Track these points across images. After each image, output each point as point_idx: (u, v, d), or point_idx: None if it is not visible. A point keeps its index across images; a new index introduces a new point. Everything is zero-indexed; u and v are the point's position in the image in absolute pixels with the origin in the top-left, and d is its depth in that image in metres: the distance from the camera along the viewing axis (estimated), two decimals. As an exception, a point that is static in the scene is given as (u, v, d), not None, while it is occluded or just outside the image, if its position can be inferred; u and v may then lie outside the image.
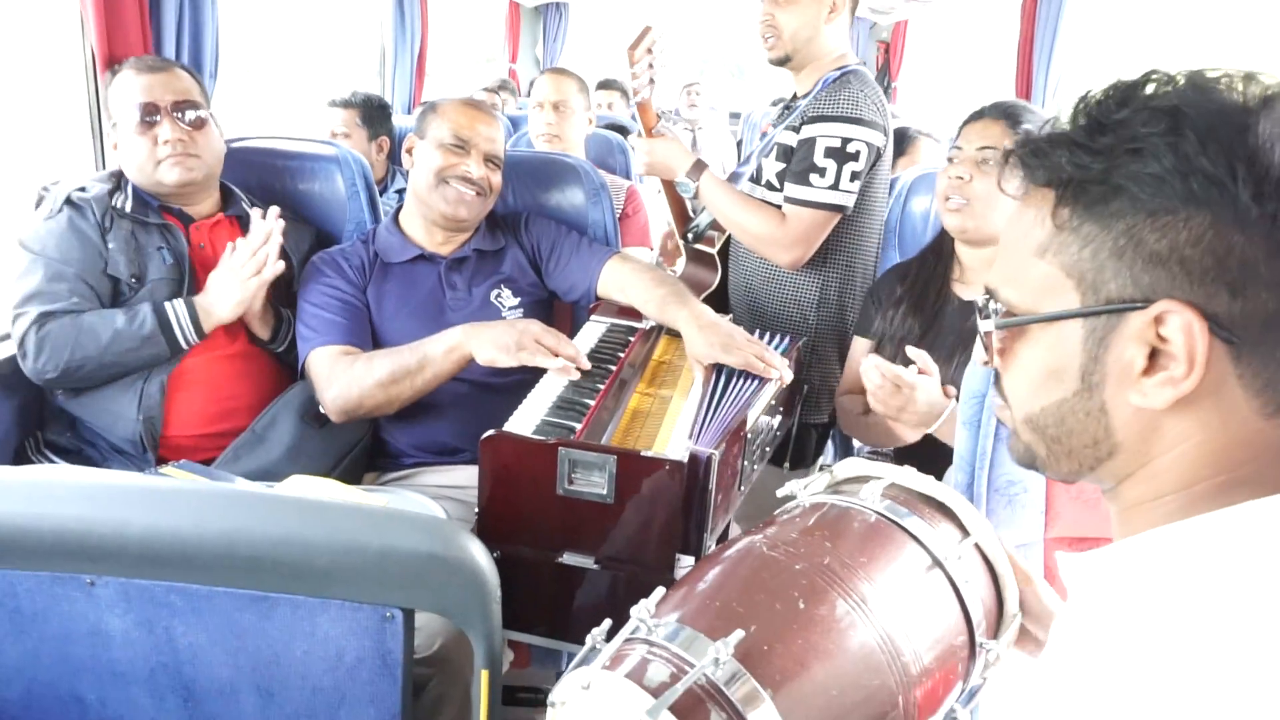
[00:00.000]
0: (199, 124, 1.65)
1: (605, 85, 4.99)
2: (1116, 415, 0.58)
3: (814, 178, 1.77)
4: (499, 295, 1.75)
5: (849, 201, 1.80)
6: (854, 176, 1.78)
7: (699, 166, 1.91)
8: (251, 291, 1.58)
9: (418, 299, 1.71)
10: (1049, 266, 0.58)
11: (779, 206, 1.85)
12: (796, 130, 1.84)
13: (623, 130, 3.63)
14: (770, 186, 1.88)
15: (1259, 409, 0.54)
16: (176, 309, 1.56)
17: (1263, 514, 0.53)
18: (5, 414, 1.61)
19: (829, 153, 1.76)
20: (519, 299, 1.76)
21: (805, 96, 1.89)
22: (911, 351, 1.47)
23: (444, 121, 1.71)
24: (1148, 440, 0.58)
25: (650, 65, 1.91)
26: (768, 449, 1.54)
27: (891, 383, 1.43)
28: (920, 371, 1.45)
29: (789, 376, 1.48)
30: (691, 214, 2.16)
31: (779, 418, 1.56)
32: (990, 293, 0.63)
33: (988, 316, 0.64)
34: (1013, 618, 0.87)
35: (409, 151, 1.76)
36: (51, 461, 1.61)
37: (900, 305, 1.71)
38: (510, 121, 4.02)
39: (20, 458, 1.63)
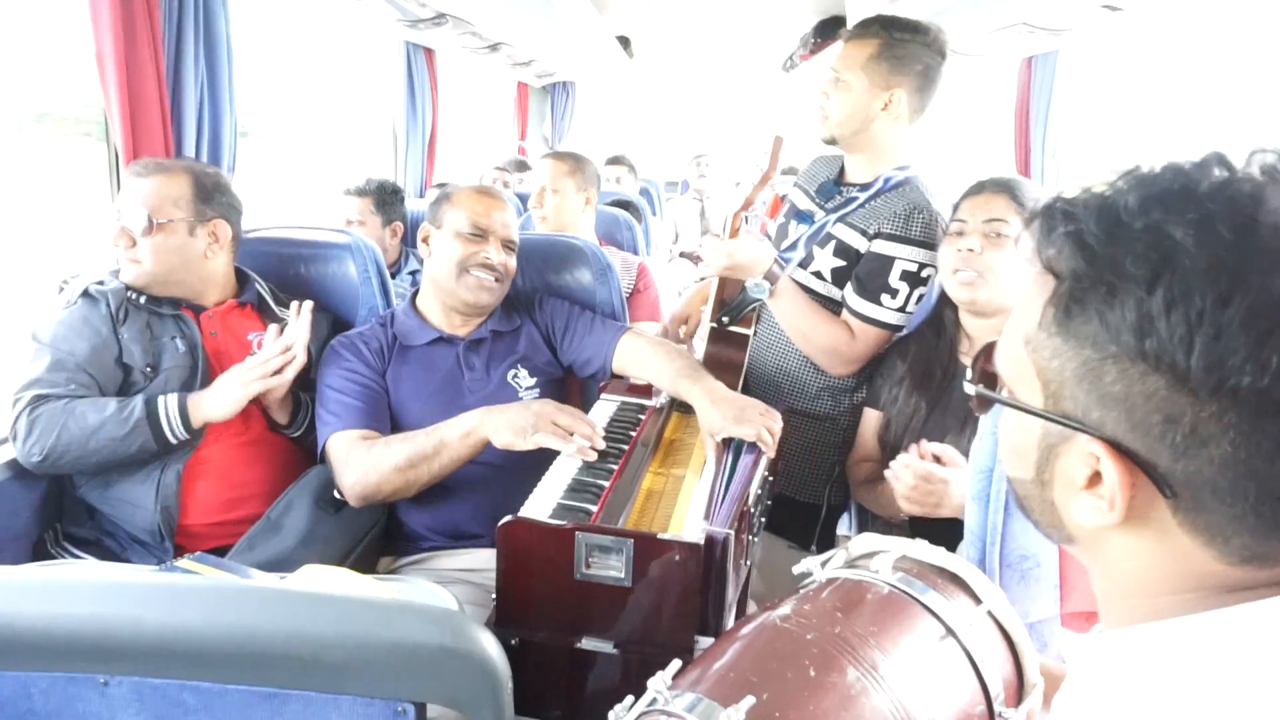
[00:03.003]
0: (145, 232, 1.64)
1: (613, 161, 5.11)
2: (1066, 515, 0.59)
3: (885, 298, 1.75)
4: (515, 375, 1.77)
5: (907, 321, 1.80)
6: (919, 298, 1.78)
7: (778, 268, 1.81)
8: (246, 395, 1.60)
9: (437, 380, 1.73)
10: (1026, 359, 0.59)
11: (829, 300, 1.82)
12: (865, 235, 1.77)
13: (630, 207, 3.69)
14: (819, 276, 1.84)
15: (1214, 556, 0.54)
16: (167, 403, 1.58)
17: (1248, 617, 0.53)
18: (25, 506, 1.63)
19: (904, 276, 1.74)
20: (535, 378, 1.77)
21: (864, 190, 1.81)
22: (935, 447, 1.46)
23: (461, 211, 1.75)
24: (1100, 546, 0.59)
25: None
26: (763, 519, 1.53)
27: (924, 481, 1.42)
28: (942, 462, 1.44)
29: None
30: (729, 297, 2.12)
31: (767, 487, 1.56)
32: (986, 352, 0.65)
33: (972, 379, 0.67)
34: (1033, 686, 0.86)
35: (425, 241, 1.80)
36: (72, 554, 1.62)
37: (903, 383, 1.71)
38: (520, 200, 4.11)
39: (40, 551, 1.63)
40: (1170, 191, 0.53)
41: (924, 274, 1.75)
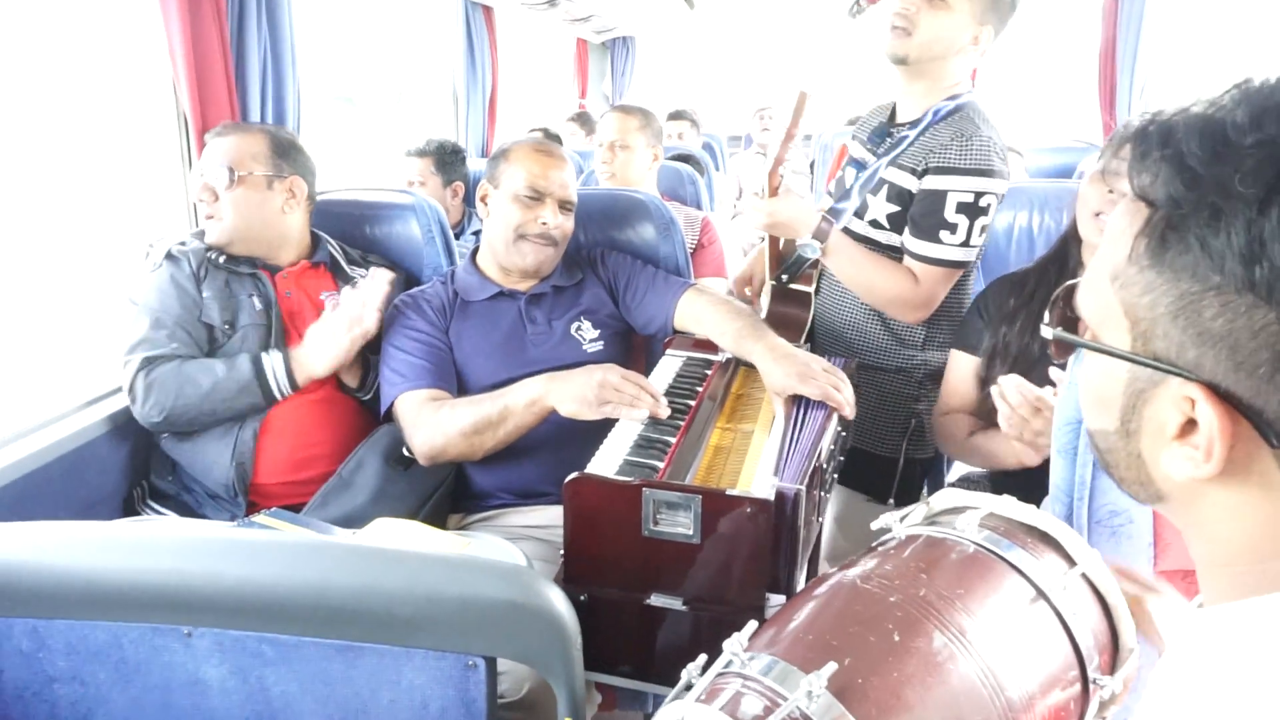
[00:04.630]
0: (227, 186, 1.69)
1: (675, 116, 5.03)
2: (1155, 469, 0.54)
3: (945, 235, 1.66)
4: (579, 329, 1.75)
5: (974, 255, 1.71)
6: (983, 230, 1.68)
7: (825, 224, 1.75)
8: (347, 348, 1.64)
9: (499, 335, 1.73)
10: (1113, 296, 0.54)
11: (890, 248, 1.76)
12: (915, 173, 1.70)
13: (693, 161, 3.63)
14: (875, 224, 1.77)
15: None
16: (273, 361, 1.64)
17: None
18: (117, 462, 1.70)
19: (961, 208, 1.64)
20: (599, 331, 1.76)
21: (914, 126, 1.74)
22: (1055, 373, 1.36)
23: (519, 170, 1.73)
24: (1194, 503, 0.54)
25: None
26: (834, 476, 1.50)
27: (1032, 405, 1.33)
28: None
29: (851, 414, 1.43)
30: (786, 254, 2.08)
31: (841, 442, 1.52)
32: (1066, 294, 0.60)
33: (1051, 322, 0.61)
34: (1130, 652, 0.82)
35: (483, 200, 1.79)
36: (156, 511, 1.69)
37: (1017, 320, 1.61)
38: (580, 157, 4.08)
39: (128, 508, 1.71)
40: None
41: (982, 203, 1.65)
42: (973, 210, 1.64)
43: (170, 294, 1.66)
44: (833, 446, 1.40)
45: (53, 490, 1.56)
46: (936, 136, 1.68)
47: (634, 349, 1.89)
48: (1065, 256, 1.61)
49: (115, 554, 0.93)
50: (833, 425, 1.38)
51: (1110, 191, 1.45)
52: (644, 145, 2.70)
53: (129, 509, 1.70)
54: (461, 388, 1.69)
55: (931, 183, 1.67)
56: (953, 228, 1.65)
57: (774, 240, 1.91)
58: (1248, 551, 0.52)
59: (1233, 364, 0.48)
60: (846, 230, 1.80)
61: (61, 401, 1.68)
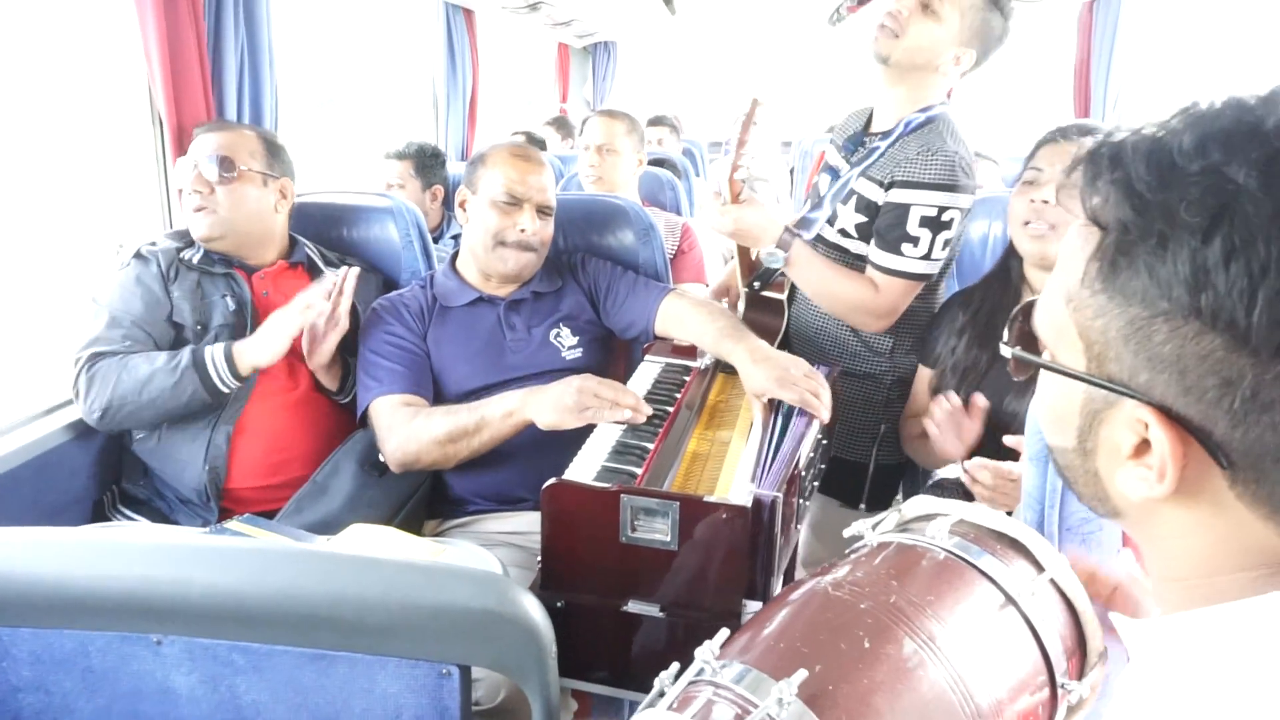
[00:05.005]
0: (226, 181, 1.67)
1: (655, 122, 5.03)
2: (1111, 487, 0.55)
3: (906, 247, 1.68)
4: (558, 335, 1.75)
5: (937, 269, 1.73)
6: (946, 244, 1.70)
7: (788, 235, 1.76)
8: (292, 333, 1.60)
9: (478, 341, 1.72)
10: (1068, 318, 0.54)
11: (859, 257, 1.77)
12: (882, 186, 1.72)
13: (672, 167, 3.64)
14: (845, 234, 1.79)
15: (1276, 530, 0.50)
16: (213, 351, 1.59)
17: None
18: (86, 466, 1.67)
19: (924, 222, 1.66)
20: (578, 338, 1.76)
21: (885, 137, 1.75)
22: (1010, 440, 1.40)
23: (496, 175, 1.71)
24: (1149, 521, 0.55)
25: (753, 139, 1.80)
26: (815, 483, 1.51)
27: (1006, 480, 1.37)
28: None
29: (827, 418, 1.44)
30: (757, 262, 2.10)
31: (821, 450, 1.53)
32: (1024, 311, 0.61)
33: (1009, 341, 0.62)
34: (1097, 656, 0.83)
35: (462, 205, 1.78)
36: (127, 516, 1.66)
37: (964, 334, 1.66)
38: (560, 161, 4.08)
39: (98, 513, 1.68)
40: (1232, 130, 0.47)
41: (945, 217, 1.67)
42: (935, 224, 1.67)
43: (134, 293, 1.63)
44: (813, 454, 1.41)
45: (20, 495, 1.53)
46: (905, 149, 1.70)
47: (614, 355, 1.89)
48: (1008, 271, 1.65)
49: (82, 560, 0.92)
50: (813, 432, 1.38)
51: (1045, 203, 1.51)
52: (630, 150, 2.70)
53: (99, 514, 1.68)
54: (439, 393, 1.68)
55: (896, 196, 1.69)
56: (915, 241, 1.68)
57: (742, 247, 1.92)
58: (1198, 566, 0.53)
59: (1182, 388, 0.48)
60: (819, 238, 1.82)
61: (29, 405, 1.66)
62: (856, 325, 1.81)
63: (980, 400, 1.51)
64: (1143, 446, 0.51)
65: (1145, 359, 0.49)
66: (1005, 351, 0.62)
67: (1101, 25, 3.52)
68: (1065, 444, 0.58)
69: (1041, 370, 0.59)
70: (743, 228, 1.75)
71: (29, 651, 0.92)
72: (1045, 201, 1.51)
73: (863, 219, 1.76)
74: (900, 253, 1.69)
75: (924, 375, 1.76)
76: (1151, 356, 0.49)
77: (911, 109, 1.74)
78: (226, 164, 1.68)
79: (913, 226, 1.67)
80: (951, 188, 1.65)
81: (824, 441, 1.50)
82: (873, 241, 1.74)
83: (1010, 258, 1.65)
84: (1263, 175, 0.45)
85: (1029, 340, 0.61)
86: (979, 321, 1.65)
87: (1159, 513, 0.53)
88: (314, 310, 1.61)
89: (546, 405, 1.45)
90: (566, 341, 1.75)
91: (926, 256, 1.68)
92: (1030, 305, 0.60)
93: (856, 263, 1.79)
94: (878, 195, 1.73)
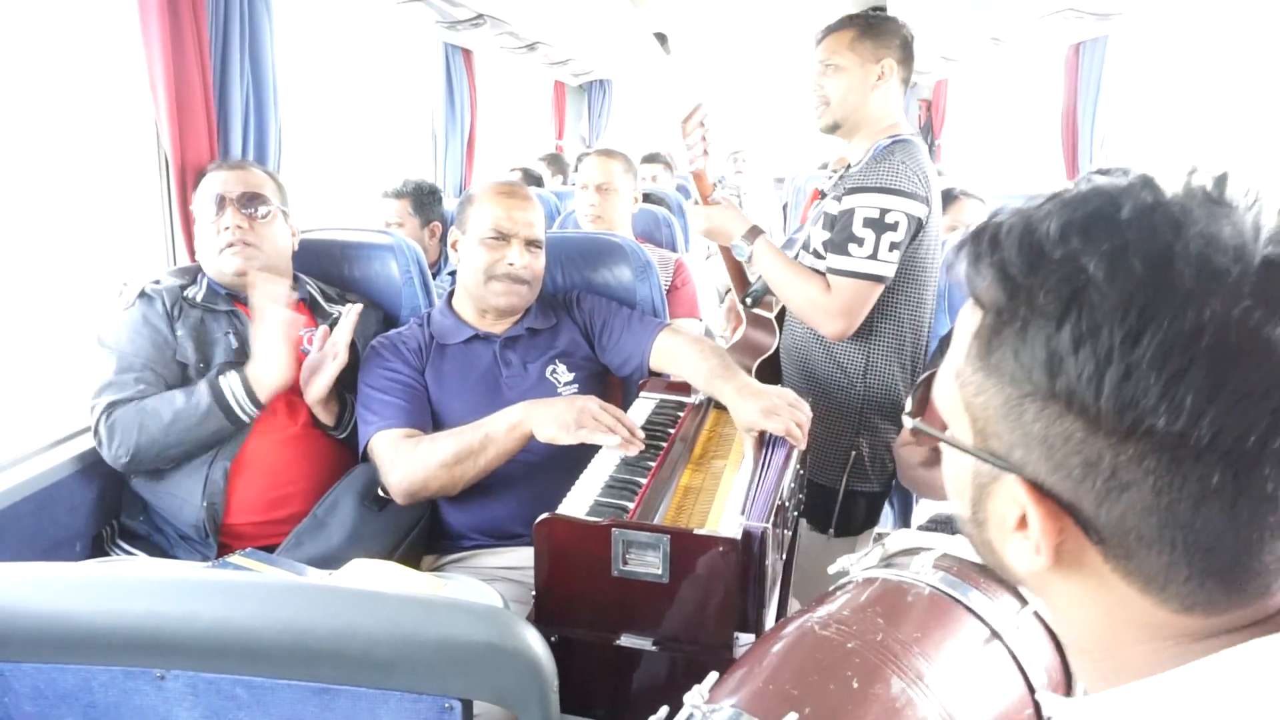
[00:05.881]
0: (263, 216, 1.74)
1: (649, 159, 5.10)
2: (1004, 557, 0.56)
3: (852, 248, 1.78)
4: (554, 371, 1.77)
5: (888, 271, 1.79)
6: (893, 246, 1.77)
7: (754, 232, 1.93)
8: (287, 352, 1.63)
9: (475, 377, 1.74)
10: (956, 394, 0.56)
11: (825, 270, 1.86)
12: (839, 200, 1.84)
13: (663, 203, 3.69)
14: (817, 254, 1.90)
15: (1154, 604, 0.51)
16: (230, 381, 1.62)
17: (1209, 673, 0.49)
18: (86, 501, 1.68)
19: (867, 223, 1.77)
20: (574, 374, 1.78)
21: (858, 165, 1.90)
22: None
23: (483, 212, 1.75)
24: (1044, 591, 0.56)
25: (703, 138, 1.95)
26: (796, 513, 1.54)
27: None
28: None
29: (804, 446, 1.48)
30: (750, 279, 2.19)
31: (799, 479, 1.56)
32: (926, 382, 0.62)
33: (911, 411, 0.63)
34: (1082, 686, 0.85)
35: (454, 246, 1.81)
36: (125, 551, 1.67)
37: None
38: (556, 198, 4.13)
39: (97, 547, 1.68)
40: (1091, 218, 0.49)
41: (889, 219, 1.76)
42: (879, 225, 1.76)
43: (142, 334, 1.65)
44: (793, 484, 1.43)
45: (20, 530, 1.54)
46: (863, 166, 1.83)
47: (610, 392, 1.91)
48: None
49: (85, 595, 0.92)
50: (793, 462, 1.40)
51: None
52: (628, 188, 2.75)
53: (98, 549, 1.68)
54: (437, 429, 1.69)
55: (845, 202, 1.81)
56: (860, 241, 1.77)
57: (731, 261, 2.09)
58: (1099, 638, 0.54)
59: (1051, 465, 0.50)
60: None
61: (29, 440, 1.67)
62: (816, 327, 1.88)
63: None
64: (1023, 520, 0.52)
65: (1019, 436, 0.51)
66: (907, 422, 0.63)
67: (1087, 68, 3.60)
68: (963, 514, 0.59)
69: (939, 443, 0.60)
70: (714, 225, 1.96)
71: (31, 687, 0.93)
72: None
73: (827, 234, 1.86)
74: (847, 253, 1.79)
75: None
76: (1025, 434, 0.51)
77: (880, 137, 1.88)
78: (261, 200, 1.74)
79: (857, 227, 1.78)
80: (895, 191, 1.76)
81: (801, 471, 1.53)
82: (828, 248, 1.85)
83: None
84: (1110, 265, 0.46)
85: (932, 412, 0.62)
86: None
87: (1050, 584, 0.55)
88: (293, 326, 1.66)
89: (547, 418, 1.48)
90: (563, 377, 1.77)
91: (873, 257, 1.77)
92: (931, 377, 0.61)
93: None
94: (837, 209, 1.84)
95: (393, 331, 1.82)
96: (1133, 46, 3.65)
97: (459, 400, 1.71)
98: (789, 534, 1.43)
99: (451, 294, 1.86)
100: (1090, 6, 2.91)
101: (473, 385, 1.73)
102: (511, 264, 1.73)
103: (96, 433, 1.60)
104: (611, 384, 1.93)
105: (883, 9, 2.03)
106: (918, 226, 1.81)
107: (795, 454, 1.43)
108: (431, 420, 1.70)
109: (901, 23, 1.91)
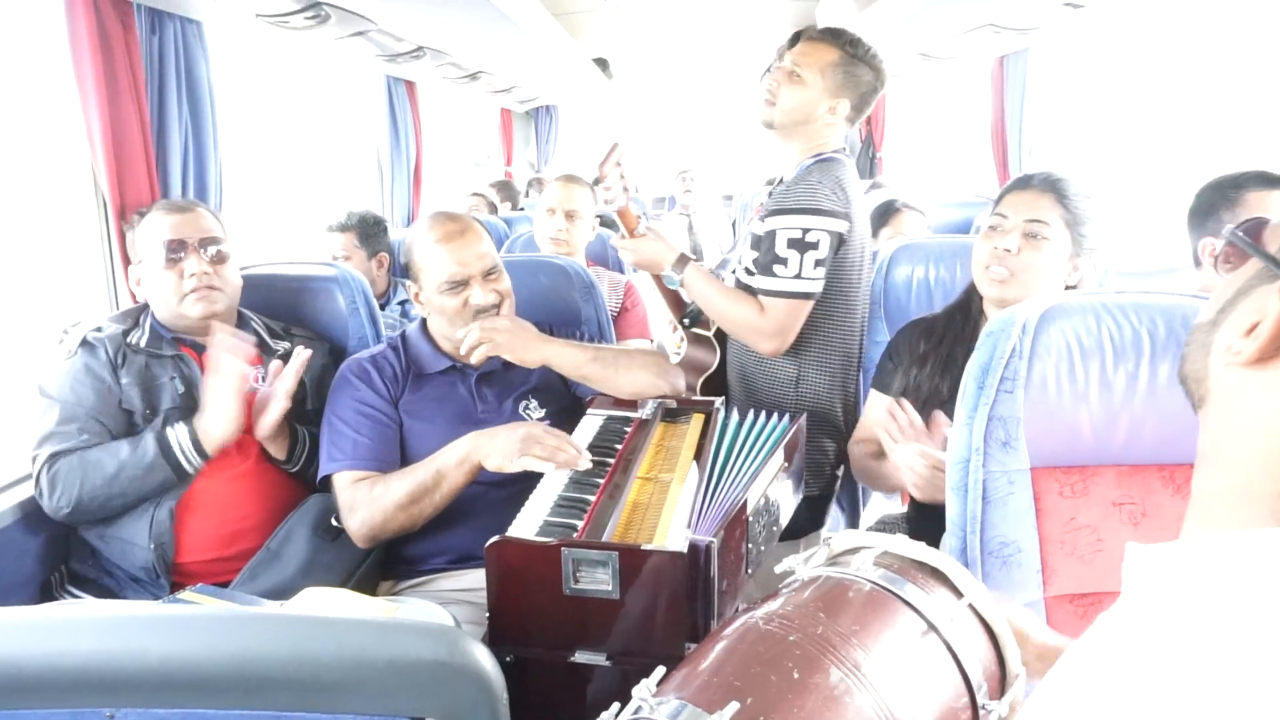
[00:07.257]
0: (222, 259, 1.74)
1: (598, 182, 5.13)
2: (1213, 359, 0.58)
3: (778, 269, 1.82)
4: (527, 407, 1.79)
5: (816, 288, 1.84)
6: (818, 264, 1.82)
7: (683, 260, 1.97)
8: (238, 404, 1.62)
9: (451, 409, 1.74)
10: None
11: (755, 292, 1.89)
12: (763, 220, 1.88)
13: (611, 225, 3.73)
14: (748, 271, 1.93)
15: None
16: (178, 433, 1.61)
17: None
18: (32, 548, 1.66)
19: (791, 244, 1.81)
20: (545, 409, 1.79)
21: (783, 184, 1.93)
22: (943, 418, 1.48)
23: (432, 265, 1.72)
24: (1233, 402, 0.56)
25: (621, 176, 1.99)
26: (776, 527, 1.53)
27: (935, 470, 1.42)
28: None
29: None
30: (686, 300, 2.23)
31: (788, 495, 1.57)
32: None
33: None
34: (1015, 677, 0.88)
35: (416, 299, 1.78)
36: (74, 596, 1.65)
37: (926, 363, 1.72)
38: (505, 224, 4.15)
39: (46, 594, 1.66)
40: None
41: (810, 238, 1.81)
42: (801, 245, 1.82)
43: (85, 383, 1.63)
44: (765, 498, 1.44)
45: (-37, 579, 1.52)
46: (784, 190, 1.88)
47: None
48: (969, 305, 1.75)
49: (28, 637, 0.92)
50: (765, 478, 1.41)
51: (1006, 251, 1.59)
52: (591, 213, 2.78)
53: (47, 595, 1.66)
54: (407, 461, 1.68)
55: (768, 224, 1.86)
56: (784, 261, 1.82)
57: (661, 286, 2.12)
58: (1270, 468, 0.52)
59: None
60: (737, 280, 1.97)
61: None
62: (753, 346, 1.93)
63: (942, 419, 1.52)
64: (1253, 329, 0.54)
65: None
66: (1225, 233, 0.66)
67: (1013, 80, 3.74)
68: (1204, 318, 0.60)
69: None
70: (642, 257, 1.99)
71: (-23, 734, 0.92)
72: (1007, 250, 1.59)
73: (755, 254, 1.90)
74: (774, 274, 1.84)
75: (878, 401, 1.81)
76: None
77: (807, 156, 1.92)
78: (217, 242, 1.73)
79: (781, 248, 1.82)
80: (815, 211, 1.81)
81: (792, 485, 1.55)
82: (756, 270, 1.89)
83: (972, 294, 1.74)
84: None
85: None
86: (941, 352, 1.72)
87: (1246, 388, 0.54)
88: (246, 376, 1.64)
89: (493, 449, 1.51)
90: (534, 414, 1.78)
91: (799, 276, 1.82)
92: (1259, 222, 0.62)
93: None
94: (762, 230, 1.88)
95: (366, 354, 1.79)
96: (1054, 58, 3.80)
97: (433, 433, 1.68)
98: (761, 548, 1.44)
99: (425, 320, 1.84)
100: (1009, 22, 3.04)
101: (447, 418, 1.72)
102: (477, 304, 1.72)
103: (38, 484, 1.58)
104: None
105: (814, 26, 2.07)
106: (839, 241, 1.86)
107: (774, 470, 1.44)
108: (401, 452, 1.70)
109: (879, 70, 1.91)
